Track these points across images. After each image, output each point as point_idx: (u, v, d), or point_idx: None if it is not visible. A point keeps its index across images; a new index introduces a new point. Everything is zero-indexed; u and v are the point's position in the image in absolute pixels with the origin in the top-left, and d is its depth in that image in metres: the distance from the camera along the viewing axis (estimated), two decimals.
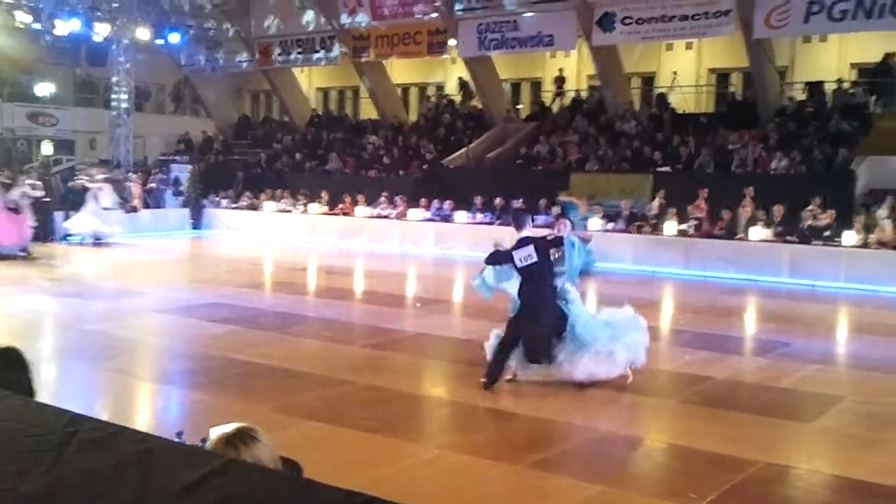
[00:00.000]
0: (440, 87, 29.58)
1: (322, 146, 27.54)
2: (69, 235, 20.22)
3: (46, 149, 27.06)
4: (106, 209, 20.51)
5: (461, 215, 20.46)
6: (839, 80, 21.49)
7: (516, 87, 28.74)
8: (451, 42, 25.00)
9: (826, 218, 16.59)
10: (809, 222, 16.67)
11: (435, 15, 24.57)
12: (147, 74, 28.19)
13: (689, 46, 24.96)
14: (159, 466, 1.76)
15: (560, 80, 26.29)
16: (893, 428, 7.23)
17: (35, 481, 1.75)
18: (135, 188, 23.34)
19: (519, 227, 8.30)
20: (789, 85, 23.00)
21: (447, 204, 20.97)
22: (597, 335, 7.98)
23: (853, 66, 22.93)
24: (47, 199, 20.39)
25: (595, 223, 16.38)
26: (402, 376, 8.62)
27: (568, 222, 8.31)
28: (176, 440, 2.44)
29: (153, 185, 24.85)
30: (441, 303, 13.94)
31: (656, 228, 18.15)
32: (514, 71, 27.53)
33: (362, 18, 25.87)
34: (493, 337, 8.25)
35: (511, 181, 21.29)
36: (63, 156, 27.27)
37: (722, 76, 25.48)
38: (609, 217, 18.70)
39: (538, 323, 8.00)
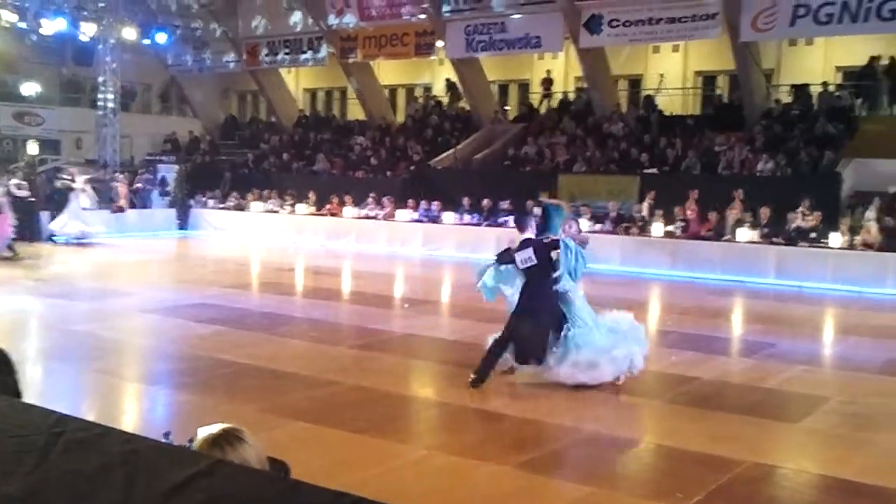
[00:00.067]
0: (428, 89, 29.60)
1: (309, 147, 27.50)
2: (54, 236, 20.12)
3: (32, 148, 26.92)
4: (85, 209, 20.45)
5: (449, 216, 20.48)
6: (825, 84, 21.61)
7: (504, 88, 28.79)
8: (439, 43, 25.02)
9: (812, 220, 16.68)
10: (796, 224, 16.75)
11: (422, 16, 24.59)
12: (133, 74, 28.06)
13: (675, 49, 25.07)
14: (146, 467, 1.75)
15: (548, 82, 26.34)
16: (879, 428, 7.27)
17: (19, 482, 1.73)
18: (121, 188, 23.25)
19: (522, 229, 8.38)
20: (775, 88, 23.13)
21: (435, 205, 20.98)
22: (590, 342, 8.00)
23: (839, 69, 23.09)
24: (33, 199, 20.28)
25: (582, 224, 16.41)
26: (390, 377, 8.61)
27: (574, 223, 8.37)
28: (163, 441, 2.42)
29: (140, 185, 24.77)
30: (429, 303, 13.94)
31: (644, 230, 18.21)
32: (501, 72, 27.57)
33: (350, 19, 25.86)
34: (490, 340, 8.31)
35: (499, 182, 21.32)
36: (49, 155, 27.14)
37: (708, 79, 25.60)
38: (596, 218, 18.74)
39: (536, 324, 8.05)
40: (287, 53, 28.35)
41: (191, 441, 2.33)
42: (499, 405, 7.76)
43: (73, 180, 20.61)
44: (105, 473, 1.74)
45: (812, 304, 14.45)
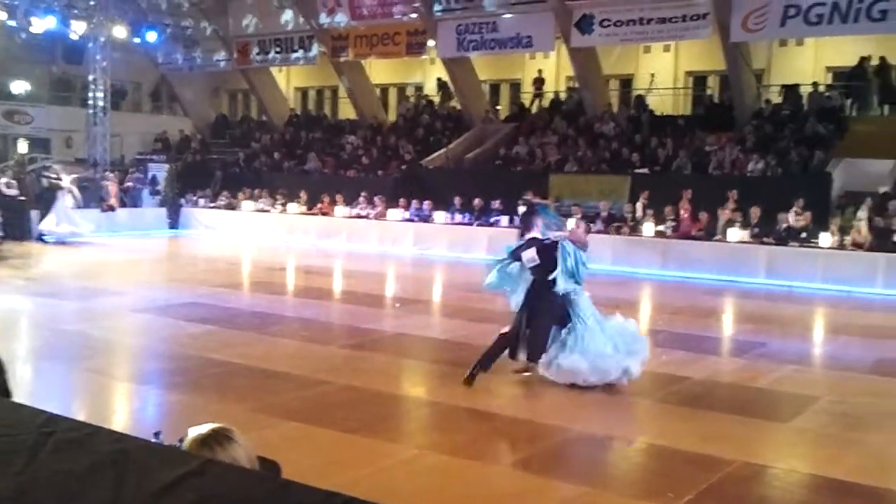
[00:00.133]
0: (419, 88, 29.58)
1: (300, 146, 27.45)
2: (44, 235, 20.04)
3: (22, 147, 26.80)
4: (71, 208, 20.38)
5: (440, 216, 20.48)
6: (815, 84, 21.69)
7: (495, 88, 28.80)
8: (430, 43, 25.00)
9: (803, 220, 16.74)
10: (786, 224, 16.80)
11: (414, 15, 24.57)
12: (124, 73, 27.94)
13: (666, 49, 25.12)
14: (136, 467, 1.74)
15: (539, 82, 26.36)
16: (869, 428, 7.29)
17: (8, 482, 1.72)
18: (111, 187, 23.17)
19: (527, 229, 8.41)
20: (766, 88, 23.19)
21: (426, 204, 20.98)
22: (590, 345, 7.99)
23: (829, 69, 23.17)
24: (23, 198, 20.19)
25: (570, 224, 16.41)
26: (381, 376, 8.59)
27: (583, 224, 8.40)
28: (153, 440, 2.41)
29: (130, 184, 24.68)
30: (420, 303, 13.93)
31: (635, 230, 18.24)
32: (493, 72, 27.57)
33: (341, 18, 25.82)
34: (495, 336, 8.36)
35: (490, 182, 21.32)
36: (38, 154, 27.01)
37: (699, 79, 25.67)
38: (588, 218, 18.73)
39: (539, 323, 8.08)
40: (278, 52, 28.30)
41: (181, 441, 2.32)
42: (490, 404, 7.76)
43: (59, 178, 20.54)
44: (95, 473, 1.73)
45: (802, 304, 14.49)
